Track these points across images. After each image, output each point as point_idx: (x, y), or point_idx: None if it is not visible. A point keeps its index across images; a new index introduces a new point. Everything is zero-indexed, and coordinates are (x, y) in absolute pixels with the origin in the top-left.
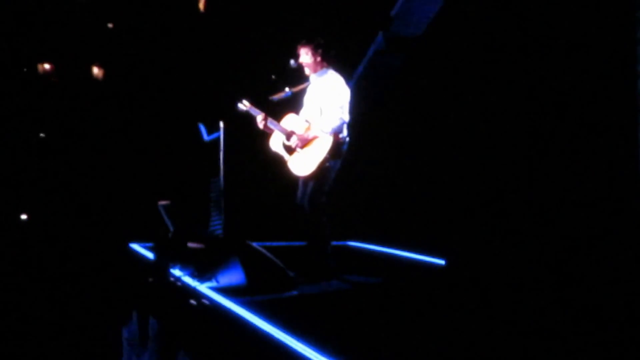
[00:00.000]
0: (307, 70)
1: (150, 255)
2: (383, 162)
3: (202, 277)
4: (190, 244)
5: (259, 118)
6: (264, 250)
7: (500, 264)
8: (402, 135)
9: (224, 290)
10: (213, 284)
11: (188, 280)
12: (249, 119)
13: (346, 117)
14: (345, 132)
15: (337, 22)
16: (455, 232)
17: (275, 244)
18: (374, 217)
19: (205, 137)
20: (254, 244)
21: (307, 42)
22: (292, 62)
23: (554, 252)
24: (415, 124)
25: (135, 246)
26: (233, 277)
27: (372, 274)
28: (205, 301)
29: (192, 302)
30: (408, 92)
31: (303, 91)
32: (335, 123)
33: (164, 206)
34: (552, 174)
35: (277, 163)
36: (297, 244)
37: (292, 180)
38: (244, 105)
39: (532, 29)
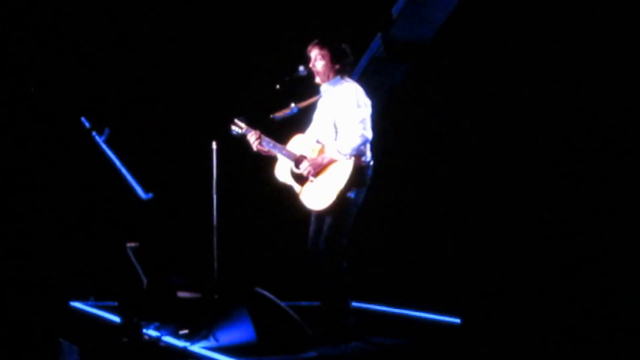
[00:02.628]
0: (317, 79)
1: (107, 316)
2: (381, 207)
3: (193, 335)
4: (182, 294)
5: (252, 138)
6: (277, 300)
7: (517, 319)
8: (402, 171)
9: (226, 351)
10: (210, 342)
11: (171, 340)
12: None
13: (369, 135)
14: (369, 154)
15: (327, 22)
16: (469, 290)
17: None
18: (372, 274)
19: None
20: (266, 293)
21: (323, 43)
22: (301, 68)
23: (571, 308)
24: (417, 154)
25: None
26: (238, 333)
27: (388, 335)
28: None
29: None
30: (410, 112)
31: (312, 107)
32: (356, 142)
33: (133, 249)
34: (567, 226)
35: (284, 195)
36: (307, 304)
37: (303, 216)
38: (239, 127)
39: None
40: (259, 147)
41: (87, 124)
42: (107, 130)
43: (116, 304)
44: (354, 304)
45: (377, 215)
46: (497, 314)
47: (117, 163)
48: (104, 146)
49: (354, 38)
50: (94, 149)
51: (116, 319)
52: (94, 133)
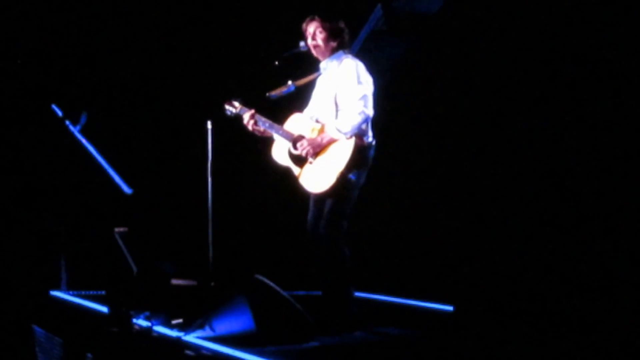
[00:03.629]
0: (316, 55)
1: (93, 306)
2: (377, 197)
3: (187, 324)
4: (176, 281)
5: (247, 116)
6: (277, 288)
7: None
8: (400, 156)
9: (223, 341)
10: (206, 332)
11: (164, 330)
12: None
13: (370, 112)
14: (370, 133)
15: None
16: (461, 277)
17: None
18: (367, 264)
19: (72, 127)
20: (266, 280)
21: (318, 18)
22: (302, 44)
23: (564, 295)
24: (418, 138)
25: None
26: (237, 322)
27: (391, 325)
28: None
29: (189, 352)
30: (412, 90)
31: (310, 85)
32: (356, 120)
33: (122, 234)
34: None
35: (282, 178)
36: (307, 293)
37: (302, 198)
38: (234, 106)
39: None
40: (254, 127)
41: (59, 112)
42: (83, 117)
43: (103, 293)
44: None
45: (375, 200)
46: (491, 302)
47: (96, 155)
48: (79, 137)
49: (352, 10)
50: (68, 140)
51: (103, 309)
52: (67, 122)
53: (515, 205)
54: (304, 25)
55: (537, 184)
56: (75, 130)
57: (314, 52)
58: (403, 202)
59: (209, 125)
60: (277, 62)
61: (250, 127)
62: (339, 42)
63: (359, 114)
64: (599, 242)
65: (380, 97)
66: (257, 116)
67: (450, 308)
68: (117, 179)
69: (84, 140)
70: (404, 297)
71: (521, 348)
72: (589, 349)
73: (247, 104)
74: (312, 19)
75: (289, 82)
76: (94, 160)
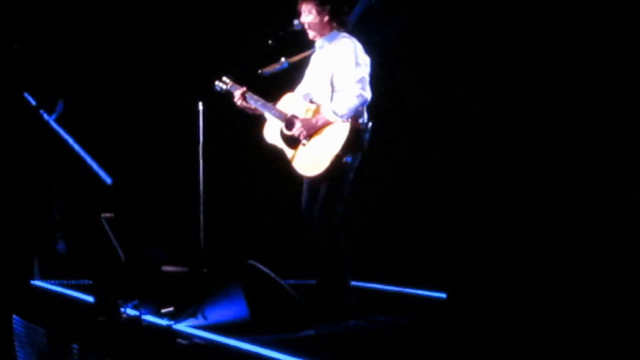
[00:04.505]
0: (311, 34)
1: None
2: (370, 182)
3: (178, 313)
4: (166, 268)
5: (237, 93)
6: (272, 274)
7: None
8: (395, 141)
9: (216, 329)
10: (198, 321)
11: (153, 319)
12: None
13: (368, 95)
14: (366, 116)
15: None
16: (455, 265)
17: None
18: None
19: (47, 117)
20: (260, 266)
21: None
22: (296, 22)
23: (560, 283)
24: (412, 121)
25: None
26: (230, 310)
27: (386, 313)
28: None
29: (181, 341)
30: (408, 72)
31: (304, 61)
32: (353, 103)
33: (108, 220)
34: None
35: (276, 160)
36: (302, 282)
37: (296, 183)
38: (224, 83)
39: None
40: (243, 104)
41: (32, 101)
42: (60, 105)
43: (88, 282)
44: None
45: (368, 185)
46: (484, 289)
47: (74, 145)
48: (55, 126)
49: None
50: (43, 130)
51: (89, 298)
52: (42, 111)
53: (510, 192)
54: (299, 2)
55: (532, 171)
56: (50, 119)
57: (308, 31)
58: (396, 188)
59: (200, 106)
60: (270, 42)
61: (239, 104)
62: (335, 20)
63: (357, 96)
64: (593, 231)
65: (375, 79)
66: (248, 94)
67: (443, 295)
68: (96, 168)
69: (60, 130)
70: (398, 285)
71: (514, 335)
72: (583, 340)
73: (239, 81)
74: None
75: (282, 59)
76: (71, 151)
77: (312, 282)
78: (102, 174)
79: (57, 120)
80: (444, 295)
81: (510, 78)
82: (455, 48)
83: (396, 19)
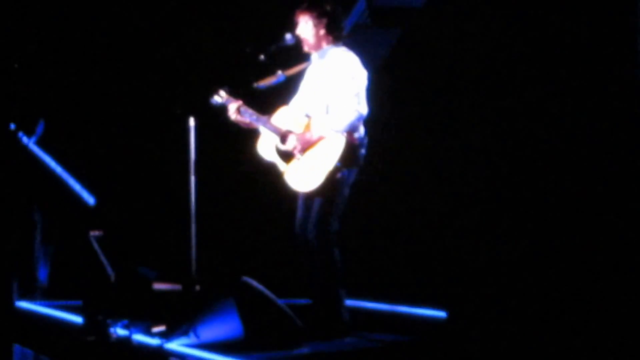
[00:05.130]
0: (306, 47)
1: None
2: (365, 198)
3: (170, 331)
4: (158, 286)
5: (232, 107)
6: (266, 291)
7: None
8: (389, 155)
9: (209, 348)
10: (190, 339)
11: (144, 338)
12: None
13: (363, 110)
14: (362, 131)
15: None
16: (455, 282)
17: None
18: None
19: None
20: (254, 283)
21: (308, 8)
22: (288, 36)
23: (558, 301)
24: (406, 137)
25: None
26: (223, 328)
27: (381, 331)
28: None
29: None
30: (398, 87)
31: (301, 75)
32: (349, 118)
33: (98, 238)
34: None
35: (269, 176)
36: (296, 301)
37: (290, 198)
38: (221, 97)
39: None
40: (238, 118)
41: (10, 125)
42: (40, 127)
43: (73, 303)
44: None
45: (364, 201)
46: (485, 308)
47: (55, 167)
48: (35, 150)
49: (332, 2)
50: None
51: (78, 319)
52: (20, 134)
53: (509, 208)
54: (296, 13)
55: (531, 185)
56: (29, 142)
57: (303, 44)
58: (392, 204)
59: (192, 122)
60: (262, 57)
61: (233, 117)
62: (331, 32)
63: (353, 111)
64: (591, 247)
65: (370, 94)
66: (243, 108)
67: (443, 314)
68: (78, 189)
69: (40, 153)
70: (396, 304)
71: (516, 355)
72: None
73: (234, 94)
74: (303, 9)
75: (279, 72)
76: (53, 173)
77: (306, 301)
78: (85, 194)
79: (39, 142)
80: (441, 314)
81: (503, 93)
82: (447, 63)
83: (386, 35)
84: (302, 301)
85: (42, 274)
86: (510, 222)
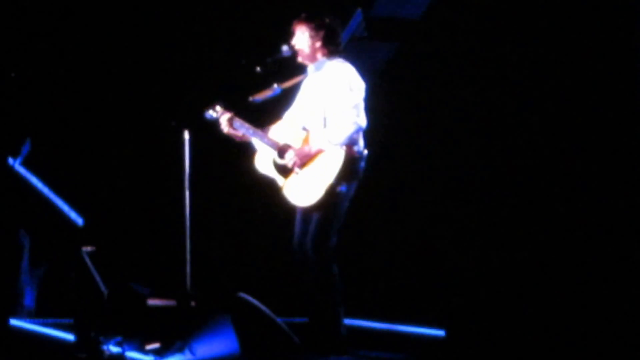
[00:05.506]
0: (300, 58)
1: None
2: (362, 215)
3: (165, 349)
4: (152, 302)
5: (223, 119)
6: (263, 307)
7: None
8: (384, 166)
9: None
10: (185, 356)
11: (137, 355)
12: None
13: (362, 122)
14: (361, 143)
15: None
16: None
17: None
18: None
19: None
20: (250, 299)
21: (306, 19)
22: (284, 48)
23: (555, 321)
24: (403, 152)
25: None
26: (219, 344)
27: (381, 350)
28: None
29: None
30: (395, 99)
31: (297, 87)
32: (348, 130)
33: (90, 253)
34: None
35: (266, 190)
36: (293, 320)
37: (287, 213)
38: (215, 111)
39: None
40: (230, 131)
41: None
42: (26, 147)
43: (68, 320)
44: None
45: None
46: (482, 326)
47: (42, 188)
48: (21, 170)
49: (330, 14)
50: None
51: (68, 336)
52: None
53: (507, 228)
54: (293, 24)
55: (529, 201)
56: (15, 163)
57: (299, 56)
58: (389, 222)
59: (186, 135)
60: (258, 69)
61: (225, 130)
62: (328, 45)
63: (352, 124)
64: (587, 269)
65: (368, 106)
66: (236, 119)
67: (441, 333)
68: (66, 210)
69: (26, 174)
70: (394, 323)
71: None
72: None
73: (229, 108)
74: (301, 20)
75: (275, 85)
76: (40, 194)
77: (304, 319)
78: (73, 215)
79: (25, 162)
80: (440, 333)
81: (501, 102)
82: (443, 73)
83: (383, 47)
84: (299, 320)
85: (29, 298)
86: (509, 242)
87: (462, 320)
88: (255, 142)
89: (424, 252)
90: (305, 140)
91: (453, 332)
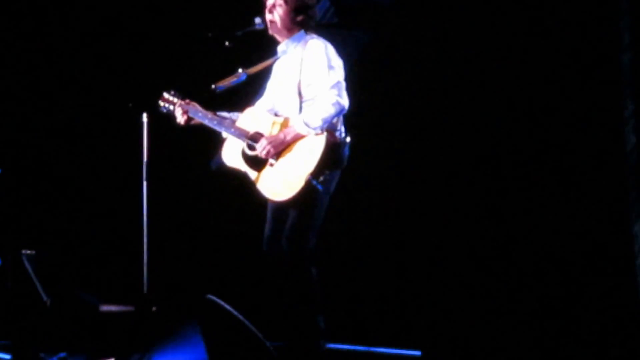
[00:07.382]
0: (271, 31)
1: None
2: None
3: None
4: (106, 308)
5: (178, 111)
6: (234, 311)
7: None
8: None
9: None
10: None
11: None
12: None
13: (345, 102)
14: (342, 128)
15: None
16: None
17: None
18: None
19: None
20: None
21: None
22: (257, 20)
23: (533, 340)
24: (377, 140)
25: None
26: (184, 354)
27: None
28: None
29: None
30: (369, 89)
31: (265, 73)
32: (329, 112)
33: (30, 257)
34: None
35: (235, 183)
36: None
37: (257, 206)
38: (171, 102)
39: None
40: (187, 120)
41: None
42: None
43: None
44: None
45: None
46: (458, 346)
47: None
48: None
49: None
50: None
51: (6, 357)
52: None
53: (482, 246)
54: None
55: (508, 211)
56: None
57: (271, 30)
58: (362, 238)
59: (145, 118)
60: (228, 43)
61: (182, 121)
62: (302, 19)
63: (333, 104)
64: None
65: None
66: (192, 108)
67: (417, 353)
68: None
69: None
70: (371, 346)
71: None
72: None
73: (187, 96)
74: None
75: (239, 70)
76: None
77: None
78: None
79: None
80: (416, 353)
81: (478, 92)
82: (417, 61)
83: (355, 37)
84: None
85: None
86: (484, 260)
87: (437, 340)
88: (222, 132)
89: (397, 270)
90: (280, 127)
91: (429, 352)
